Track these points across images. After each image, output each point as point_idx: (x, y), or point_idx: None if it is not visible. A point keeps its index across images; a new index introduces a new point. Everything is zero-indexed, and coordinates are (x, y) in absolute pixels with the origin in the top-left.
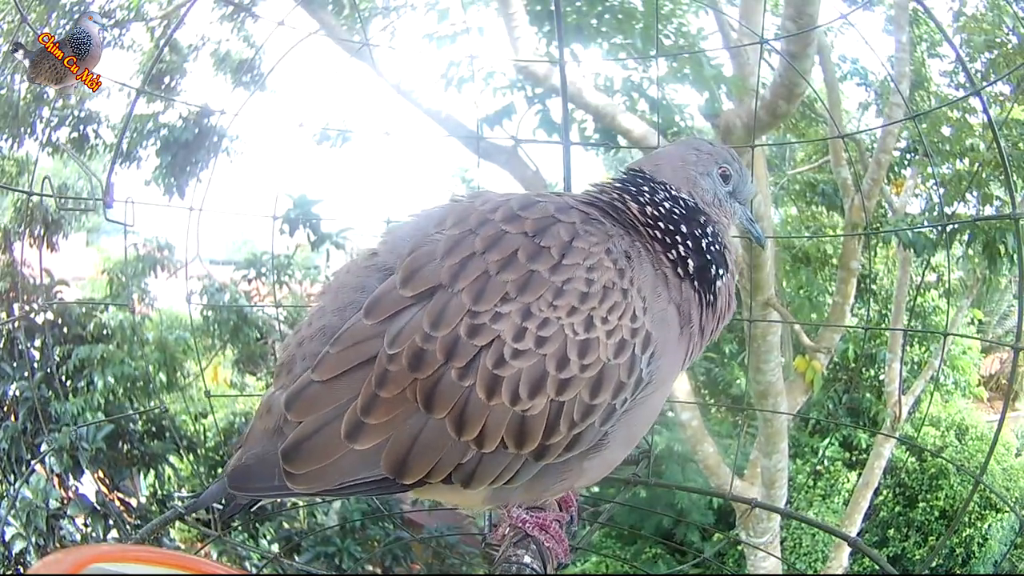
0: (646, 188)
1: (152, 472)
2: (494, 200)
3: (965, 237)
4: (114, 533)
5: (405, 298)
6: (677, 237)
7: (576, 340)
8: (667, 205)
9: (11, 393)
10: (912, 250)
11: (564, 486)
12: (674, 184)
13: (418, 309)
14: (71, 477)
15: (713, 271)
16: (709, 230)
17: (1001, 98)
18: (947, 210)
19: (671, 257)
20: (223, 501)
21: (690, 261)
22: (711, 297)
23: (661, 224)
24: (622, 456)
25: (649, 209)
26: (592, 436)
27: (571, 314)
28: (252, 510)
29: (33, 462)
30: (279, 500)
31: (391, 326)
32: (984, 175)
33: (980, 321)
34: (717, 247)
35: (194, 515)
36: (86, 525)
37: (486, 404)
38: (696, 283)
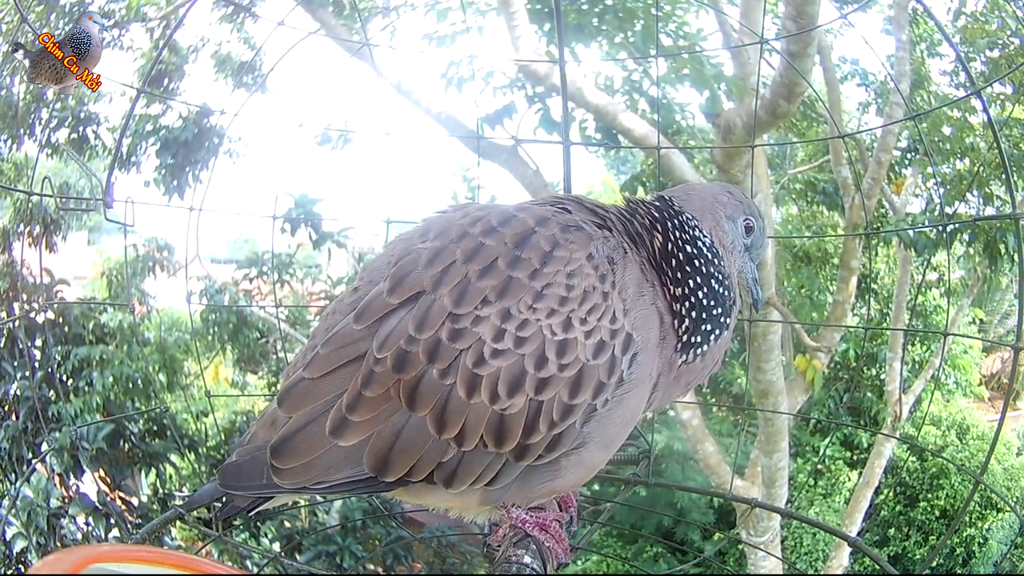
0: (685, 235)
1: (153, 471)
2: (474, 214)
3: (966, 237)
4: (115, 532)
5: (392, 304)
6: (690, 282)
7: (554, 340)
8: (699, 247)
9: (12, 392)
10: (913, 250)
11: (549, 488)
12: (698, 217)
13: (404, 313)
14: (72, 476)
15: (708, 338)
16: (726, 282)
17: (1002, 98)
18: (948, 209)
19: (671, 293)
20: (221, 501)
21: (687, 323)
22: (689, 358)
23: (681, 268)
24: (602, 458)
25: (690, 267)
26: (573, 437)
27: (550, 316)
28: (250, 514)
29: (34, 461)
30: (274, 506)
31: (380, 329)
32: (985, 175)
33: (981, 320)
34: (727, 304)
35: (195, 514)
36: (87, 524)
37: (466, 402)
38: (681, 343)
